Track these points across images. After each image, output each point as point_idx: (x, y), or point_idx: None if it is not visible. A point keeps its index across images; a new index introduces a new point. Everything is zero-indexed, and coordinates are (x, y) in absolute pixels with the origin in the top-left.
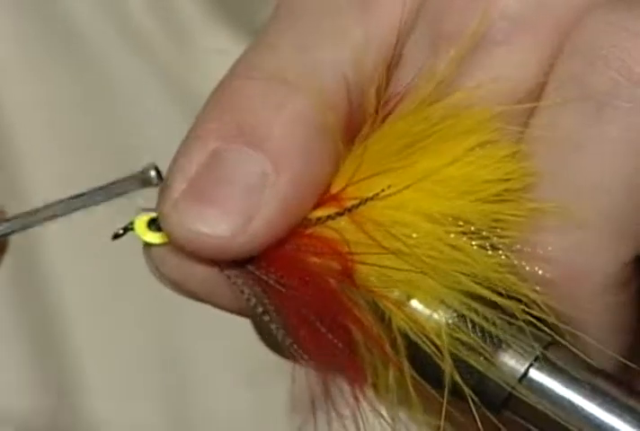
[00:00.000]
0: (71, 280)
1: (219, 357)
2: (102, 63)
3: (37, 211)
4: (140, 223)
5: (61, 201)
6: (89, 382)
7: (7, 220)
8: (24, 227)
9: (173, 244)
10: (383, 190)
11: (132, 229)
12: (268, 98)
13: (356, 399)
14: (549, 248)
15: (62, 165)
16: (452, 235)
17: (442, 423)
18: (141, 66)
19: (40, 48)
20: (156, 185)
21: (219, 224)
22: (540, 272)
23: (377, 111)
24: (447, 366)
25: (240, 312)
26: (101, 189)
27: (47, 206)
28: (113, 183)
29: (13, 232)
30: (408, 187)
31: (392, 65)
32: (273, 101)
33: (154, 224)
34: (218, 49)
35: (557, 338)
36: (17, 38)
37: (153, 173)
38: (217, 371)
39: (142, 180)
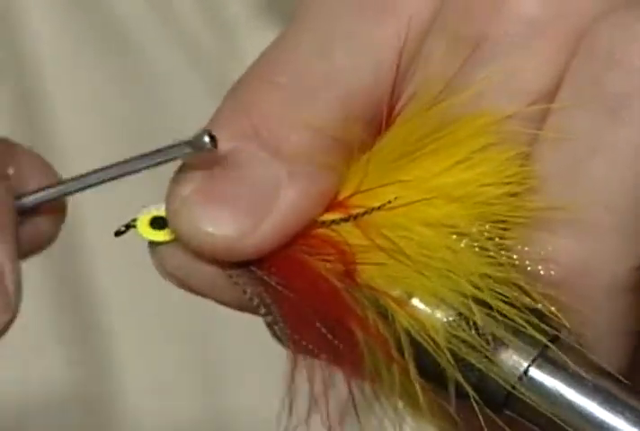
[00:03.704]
0: (108, 267)
1: (257, 342)
2: (147, 59)
3: (89, 174)
4: (143, 220)
5: (113, 165)
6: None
7: (61, 183)
8: (78, 190)
9: (180, 241)
10: (390, 202)
11: (134, 226)
12: (286, 104)
13: (355, 397)
14: (558, 249)
15: (106, 155)
16: (453, 237)
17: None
18: (185, 62)
19: (85, 45)
20: (210, 150)
21: (228, 224)
22: (547, 273)
23: (389, 116)
24: (449, 365)
25: (248, 311)
26: (154, 152)
27: (99, 170)
28: (167, 147)
29: (65, 195)
30: (415, 202)
31: (401, 68)
32: (291, 108)
33: (156, 223)
34: (263, 45)
35: (560, 335)
36: (64, 34)
37: (207, 139)
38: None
39: (195, 145)
